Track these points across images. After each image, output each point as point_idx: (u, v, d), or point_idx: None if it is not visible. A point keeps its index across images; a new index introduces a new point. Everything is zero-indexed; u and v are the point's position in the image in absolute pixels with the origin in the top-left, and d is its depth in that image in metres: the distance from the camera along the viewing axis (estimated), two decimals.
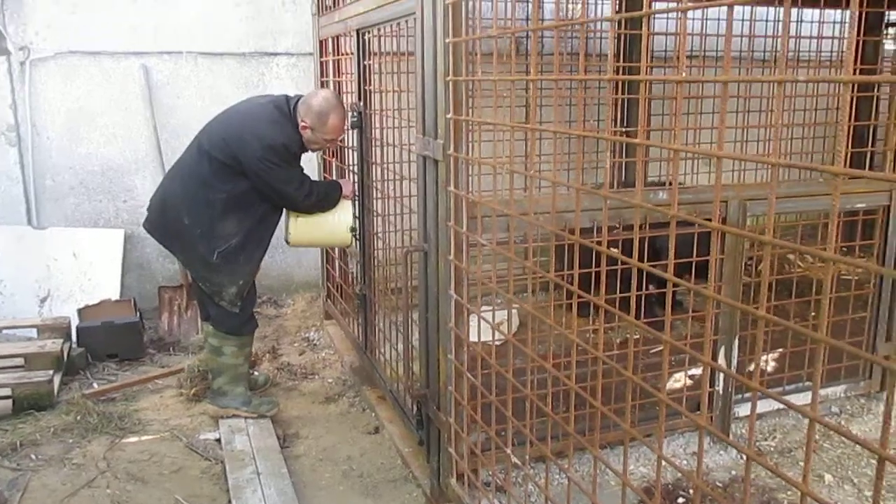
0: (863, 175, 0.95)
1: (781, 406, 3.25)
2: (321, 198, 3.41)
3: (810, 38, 4.17)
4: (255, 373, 3.92)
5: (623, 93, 4.80)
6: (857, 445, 3.04)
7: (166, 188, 3.40)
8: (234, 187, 3.24)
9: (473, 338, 2.55)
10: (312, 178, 3.51)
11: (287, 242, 3.50)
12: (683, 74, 1.22)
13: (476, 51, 3.63)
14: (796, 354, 3.36)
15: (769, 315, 1.07)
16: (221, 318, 3.41)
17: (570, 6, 4.92)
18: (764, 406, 3.25)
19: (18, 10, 4.54)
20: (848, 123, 1.03)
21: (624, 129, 4.93)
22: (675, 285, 1.35)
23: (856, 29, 1.01)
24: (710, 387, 3.14)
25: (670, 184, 3.15)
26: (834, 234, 0.97)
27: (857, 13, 1.04)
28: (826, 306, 0.98)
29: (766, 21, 4.85)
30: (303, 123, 3.28)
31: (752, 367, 3.65)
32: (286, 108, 3.31)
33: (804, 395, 3.41)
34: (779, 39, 3.74)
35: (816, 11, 4.30)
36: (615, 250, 1.59)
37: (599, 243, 1.63)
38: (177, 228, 3.31)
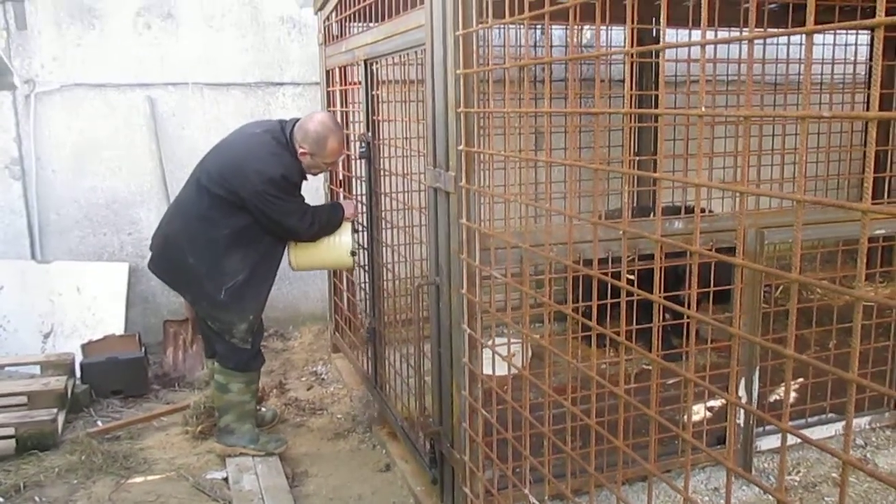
0: (891, 213, 0.95)
1: None
2: (323, 224, 3.41)
3: (822, 62, 4.19)
4: (263, 409, 3.91)
5: (634, 120, 4.83)
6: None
7: (167, 228, 3.40)
8: (236, 222, 3.24)
9: (487, 370, 2.54)
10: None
11: (291, 268, 3.52)
12: (703, 108, 1.23)
13: (488, 78, 3.67)
14: (818, 385, 3.34)
15: (798, 355, 1.06)
16: (228, 355, 3.41)
17: (580, 32, 4.96)
18: (787, 439, 3.22)
19: (24, 43, 4.62)
20: (869, 150, 1.03)
21: (637, 158, 4.94)
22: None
23: (880, 62, 1.01)
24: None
25: (689, 211, 3.15)
26: (863, 273, 0.97)
27: (880, 43, 1.04)
28: (857, 346, 0.98)
29: (778, 44, 4.89)
30: (301, 150, 3.29)
31: (774, 399, 3.63)
32: (282, 136, 3.31)
33: (827, 427, 3.38)
34: (792, 64, 3.76)
35: (829, 34, 4.33)
36: (631, 278, 1.59)
37: (615, 273, 1.63)
38: (182, 268, 3.32)
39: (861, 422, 3.49)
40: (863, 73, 5.10)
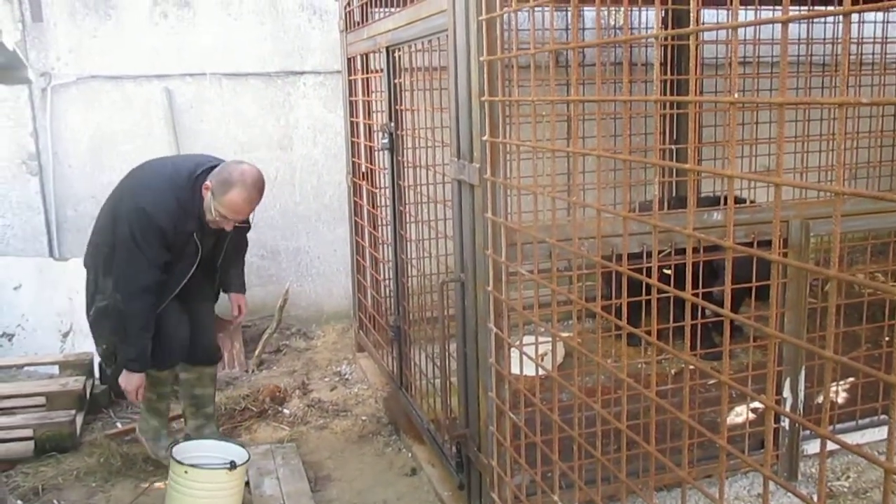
0: None
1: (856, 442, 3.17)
2: (132, 314, 3.09)
3: (874, 42, 4.10)
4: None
5: (671, 106, 4.77)
6: None
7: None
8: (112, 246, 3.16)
9: (515, 370, 2.53)
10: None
11: None
12: (736, 95, 1.21)
13: (513, 64, 3.65)
14: (870, 384, 3.27)
15: (838, 357, 1.04)
16: None
17: (611, 14, 4.92)
18: (827, 445, 3.17)
19: (40, 35, 4.70)
20: None
21: (674, 146, 4.88)
22: (733, 312, 1.34)
23: None
24: (776, 423, 3.07)
25: (726, 201, 3.10)
26: None
27: None
28: None
29: (825, 23, 4.80)
30: (206, 184, 3.09)
31: (822, 399, 3.57)
32: (183, 178, 3.12)
33: (879, 430, 3.31)
34: (839, 44, 3.69)
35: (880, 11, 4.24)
36: (668, 272, 1.57)
37: (649, 269, 1.61)
38: (87, 262, 3.34)
39: None
40: None
